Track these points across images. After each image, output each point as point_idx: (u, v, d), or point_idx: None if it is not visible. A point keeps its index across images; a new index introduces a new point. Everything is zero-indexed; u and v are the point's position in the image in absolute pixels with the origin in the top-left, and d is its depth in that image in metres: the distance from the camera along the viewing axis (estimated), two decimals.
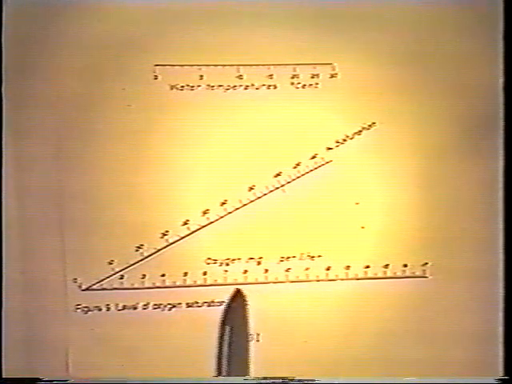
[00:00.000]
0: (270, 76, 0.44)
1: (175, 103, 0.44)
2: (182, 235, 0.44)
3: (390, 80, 0.45)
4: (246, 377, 0.42)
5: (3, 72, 0.42)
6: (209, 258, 0.44)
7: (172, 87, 0.44)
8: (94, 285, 0.43)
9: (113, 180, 0.43)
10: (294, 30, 0.44)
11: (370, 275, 0.45)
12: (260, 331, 0.44)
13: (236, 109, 0.44)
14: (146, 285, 0.44)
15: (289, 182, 0.44)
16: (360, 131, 0.45)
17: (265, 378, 0.42)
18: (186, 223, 0.44)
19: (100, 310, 0.43)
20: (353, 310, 0.45)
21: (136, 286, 0.44)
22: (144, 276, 0.44)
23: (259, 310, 0.44)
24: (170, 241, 0.44)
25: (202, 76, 0.44)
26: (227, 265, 0.44)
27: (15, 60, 0.42)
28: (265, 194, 0.44)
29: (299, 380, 0.42)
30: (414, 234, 0.45)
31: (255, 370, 0.43)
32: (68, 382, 0.42)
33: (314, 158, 0.45)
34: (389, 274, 0.45)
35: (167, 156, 0.44)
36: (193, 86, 0.44)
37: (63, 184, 0.43)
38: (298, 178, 0.44)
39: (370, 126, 0.45)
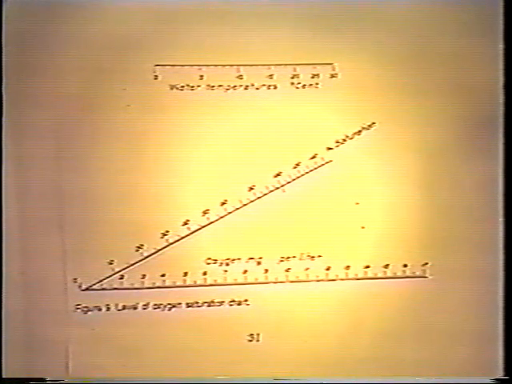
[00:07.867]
0: (270, 76, 0.44)
1: (175, 103, 0.44)
2: (182, 235, 0.44)
3: (390, 80, 0.45)
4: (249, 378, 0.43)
5: (3, 72, 0.42)
6: (209, 258, 0.44)
7: (172, 87, 0.44)
8: (94, 285, 0.43)
9: (113, 180, 0.43)
10: (293, 29, 0.44)
11: (369, 275, 0.45)
12: (260, 331, 0.44)
13: (236, 109, 0.44)
14: (146, 285, 0.44)
15: (289, 182, 0.44)
16: (360, 131, 0.45)
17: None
18: (186, 223, 0.44)
19: (100, 310, 0.43)
20: (353, 309, 0.45)
21: (136, 286, 0.44)
22: (144, 276, 0.44)
23: (259, 309, 0.44)
24: (170, 241, 0.44)
25: (202, 76, 0.44)
26: (227, 265, 0.44)
27: (15, 60, 0.42)
28: (265, 194, 0.44)
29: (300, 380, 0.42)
30: (414, 233, 0.45)
31: (255, 369, 0.43)
32: (68, 382, 0.42)
33: (313, 157, 0.45)
34: (389, 274, 0.45)
35: (167, 156, 0.44)
36: (193, 86, 0.44)
37: (63, 184, 0.43)
38: (298, 178, 0.44)
39: (369, 126, 0.45)
